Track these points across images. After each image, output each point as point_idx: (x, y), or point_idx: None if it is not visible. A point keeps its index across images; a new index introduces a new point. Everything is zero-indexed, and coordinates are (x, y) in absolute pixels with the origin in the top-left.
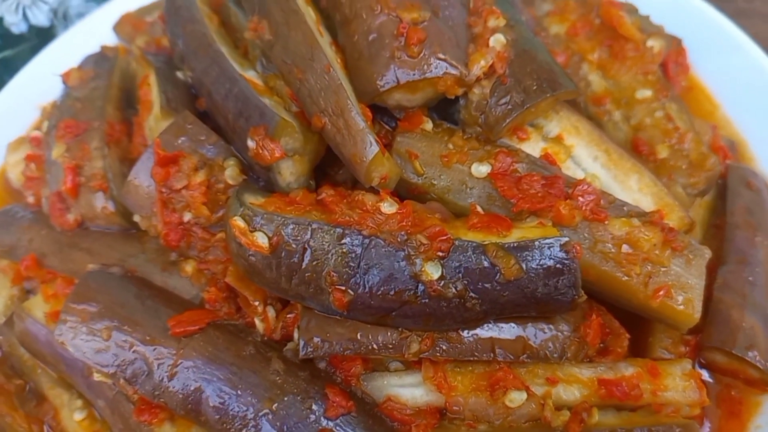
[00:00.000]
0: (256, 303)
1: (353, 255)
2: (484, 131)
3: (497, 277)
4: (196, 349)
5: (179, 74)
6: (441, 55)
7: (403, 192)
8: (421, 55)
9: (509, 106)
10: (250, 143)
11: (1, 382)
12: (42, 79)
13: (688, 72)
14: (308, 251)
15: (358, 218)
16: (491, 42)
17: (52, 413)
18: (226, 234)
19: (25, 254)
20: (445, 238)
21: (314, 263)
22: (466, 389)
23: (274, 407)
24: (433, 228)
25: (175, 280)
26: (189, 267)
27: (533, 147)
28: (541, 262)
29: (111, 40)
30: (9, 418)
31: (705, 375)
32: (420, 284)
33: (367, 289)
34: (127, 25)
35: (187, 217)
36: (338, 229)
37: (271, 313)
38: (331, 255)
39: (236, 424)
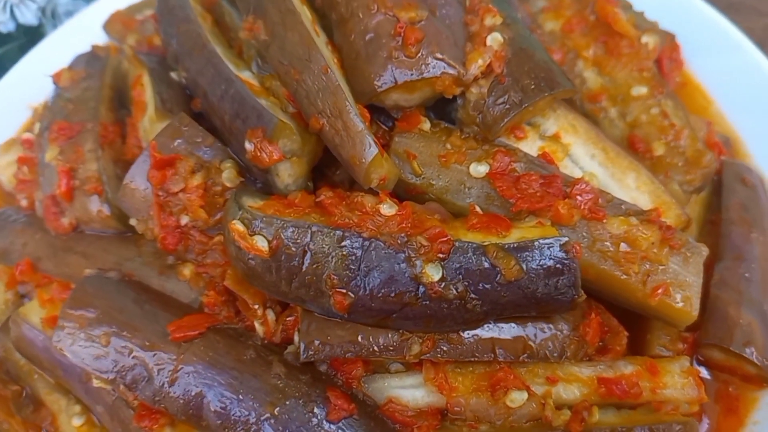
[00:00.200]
0: (256, 306)
1: (353, 257)
2: (482, 131)
3: (498, 278)
4: (197, 354)
5: (173, 75)
6: (439, 55)
7: (401, 192)
8: (419, 54)
9: (507, 106)
10: (248, 146)
11: None
12: (32, 78)
13: (682, 68)
14: (308, 254)
15: (357, 220)
16: (488, 41)
17: (49, 419)
18: (224, 237)
19: (19, 258)
20: (445, 239)
21: (314, 266)
22: (467, 390)
23: (276, 411)
24: (433, 229)
25: (173, 283)
26: (187, 270)
27: (530, 146)
28: (541, 263)
29: (101, 38)
30: (6, 425)
31: (703, 372)
32: (421, 286)
33: (367, 292)
34: (117, 23)
35: (185, 220)
36: (338, 232)
37: (270, 316)
38: (331, 258)
39: (238, 429)
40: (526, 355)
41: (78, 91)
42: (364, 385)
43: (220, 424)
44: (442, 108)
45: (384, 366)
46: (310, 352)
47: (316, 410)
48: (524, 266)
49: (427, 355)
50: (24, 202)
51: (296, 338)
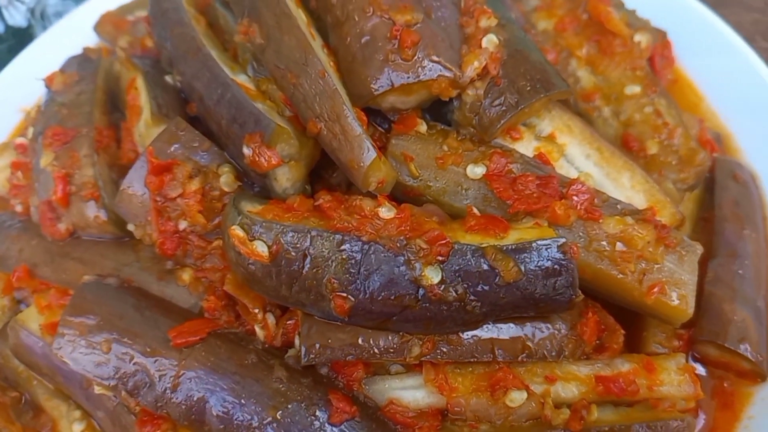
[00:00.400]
0: (256, 310)
1: (353, 261)
2: (478, 132)
3: (497, 279)
4: (198, 359)
5: (168, 78)
6: (435, 58)
7: (398, 194)
8: (415, 57)
9: (503, 107)
10: (246, 151)
11: None
12: (22, 81)
13: (674, 65)
14: (308, 258)
15: (356, 224)
16: (484, 43)
17: (50, 425)
18: (224, 243)
19: (16, 264)
20: (444, 242)
21: (314, 270)
22: (467, 390)
23: (278, 415)
24: (432, 232)
25: (172, 289)
26: (186, 275)
27: (526, 146)
28: (539, 264)
29: (92, 39)
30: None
31: (699, 368)
32: (420, 289)
33: (367, 295)
34: (108, 24)
35: (183, 225)
36: (337, 236)
37: (271, 320)
38: (331, 262)
39: None
40: (524, 354)
41: (71, 95)
42: (365, 387)
43: (223, 428)
44: (437, 109)
45: (384, 368)
46: (311, 356)
47: (318, 413)
48: (523, 267)
49: (428, 356)
50: (19, 208)
51: (297, 341)
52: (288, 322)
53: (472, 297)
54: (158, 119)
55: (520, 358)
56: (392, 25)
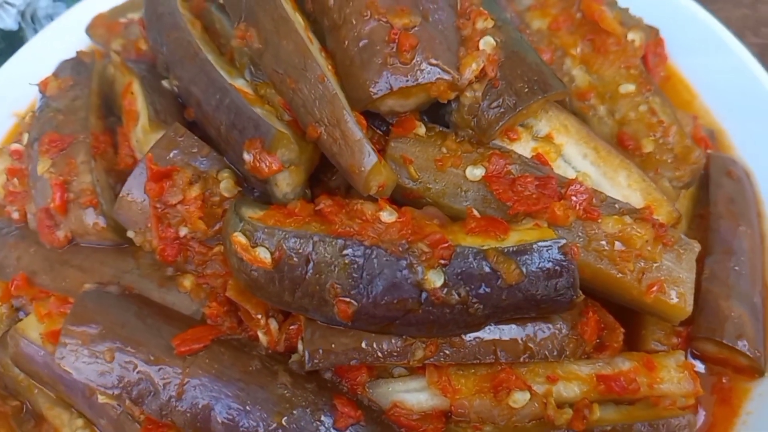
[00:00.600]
0: (259, 316)
1: (356, 266)
2: (477, 134)
3: (498, 282)
4: (202, 367)
5: (165, 83)
6: (433, 61)
7: (398, 197)
8: (414, 61)
9: (501, 109)
10: (247, 157)
11: None
12: (14, 85)
13: (666, 62)
14: (311, 264)
15: (358, 228)
16: (481, 45)
17: None
18: (225, 249)
19: (14, 272)
20: (446, 245)
21: (317, 276)
22: (470, 392)
23: (283, 421)
24: (434, 235)
25: (173, 296)
26: (187, 282)
27: (524, 147)
28: (540, 265)
29: (83, 41)
30: None
31: (698, 365)
32: (423, 292)
33: (370, 299)
34: (100, 27)
35: (183, 231)
36: (339, 241)
37: (273, 325)
38: (334, 267)
39: None
40: (526, 355)
41: (66, 101)
42: (369, 391)
43: None
44: (435, 111)
45: (387, 371)
46: (315, 361)
47: (323, 418)
48: (524, 269)
49: (431, 359)
50: (15, 215)
51: (300, 347)
52: (291, 327)
53: (474, 300)
54: (156, 125)
55: (522, 359)
56: (390, 28)
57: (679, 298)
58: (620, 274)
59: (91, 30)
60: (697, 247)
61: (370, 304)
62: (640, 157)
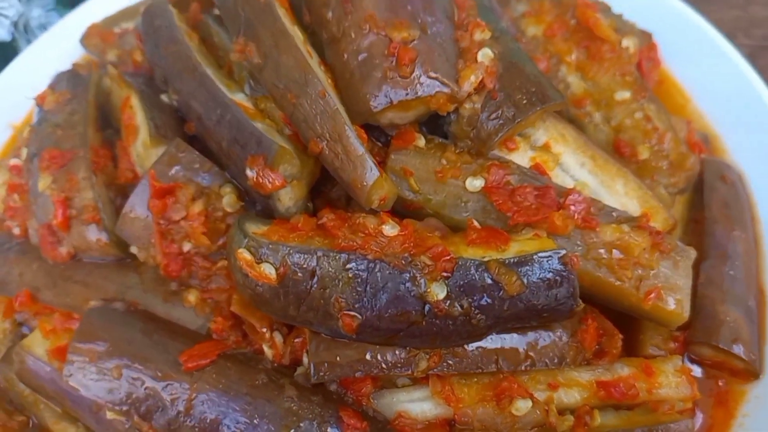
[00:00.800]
0: (264, 330)
1: (359, 279)
2: (476, 145)
3: (500, 293)
4: (210, 382)
5: (164, 97)
6: (432, 74)
7: (399, 208)
8: (413, 74)
9: (500, 121)
10: (250, 173)
11: (2, 419)
12: (9, 96)
13: (660, 67)
14: (315, 278)
15: (361, 242)
16: (479, 57)
17: None
18: (230, 265)
19: (17, 288)
20: (448, 258)
21: (322, 290)
22: (473, 400)
23: None
24: (436, 248)
25: (178, 311)
26: (192, 297)
27: (522, 157)
28: (541, 276)
29: (78, 51)
30: None
31: (695, 369)
32: (426, 304)
33: (375, 312)
34: (95, 37)
35: (187, 247)
36: (343, 255)
37: (278, 338)
38: (338, 281)
39: None
40: (528, 363)
41: (64, 115)
42: (374, 401)
43: None
44: (433, 121)
45: (391, 381)
46: (321, 373)
47: (330, 430)
48: (525, 280)
49: (434, 369)
50: (16, 230)
51: (305, 359)
52: (296, 340)
53: (476, 311)
54: (157, 140)
55: (523, 367)
56: (389, 42)
57: (676, 304)
58: (618, 282)
59: (85, 40)
60: (693, 253)
61: (374, 317)
62: (636, 164)
